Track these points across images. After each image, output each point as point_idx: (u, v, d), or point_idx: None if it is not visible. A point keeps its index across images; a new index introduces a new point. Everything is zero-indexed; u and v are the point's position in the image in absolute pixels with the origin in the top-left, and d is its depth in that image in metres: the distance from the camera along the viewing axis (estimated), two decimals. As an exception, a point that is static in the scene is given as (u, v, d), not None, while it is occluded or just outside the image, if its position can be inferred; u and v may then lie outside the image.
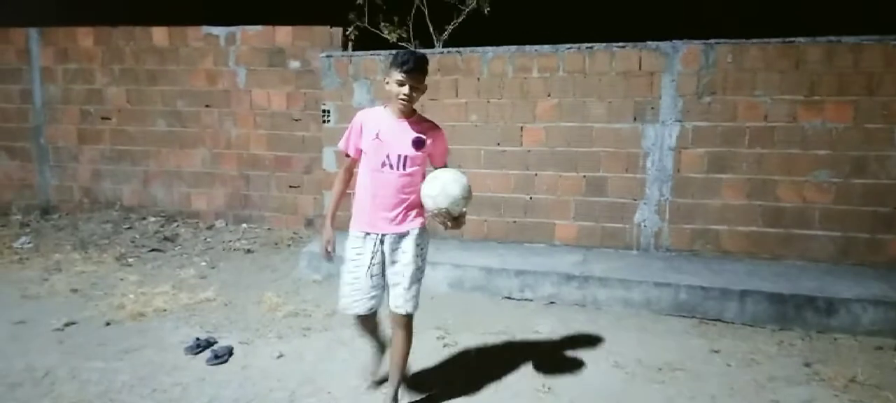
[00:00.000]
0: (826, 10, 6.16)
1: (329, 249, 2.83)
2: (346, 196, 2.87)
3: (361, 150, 2.74)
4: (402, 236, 2.71)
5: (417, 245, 2.72)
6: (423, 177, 2.73)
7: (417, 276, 2.74)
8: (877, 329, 3.81)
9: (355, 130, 2.76)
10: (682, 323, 4.05)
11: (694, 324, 4.03)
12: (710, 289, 4.11)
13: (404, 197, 2.68)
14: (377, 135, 2.66)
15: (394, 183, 2.66)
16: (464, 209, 2.62)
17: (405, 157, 2.64)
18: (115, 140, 6.50)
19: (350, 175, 2.88)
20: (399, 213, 2.69)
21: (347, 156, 2.82)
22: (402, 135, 2.65)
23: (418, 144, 2.65)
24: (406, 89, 2.57)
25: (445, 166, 2.78)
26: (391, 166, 2.65)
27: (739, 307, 4.03)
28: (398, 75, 2.56)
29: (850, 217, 4.60)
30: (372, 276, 2.74)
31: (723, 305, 4.07)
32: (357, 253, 2.75)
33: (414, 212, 2.73)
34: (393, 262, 2.73)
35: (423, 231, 2.75)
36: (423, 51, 5.70)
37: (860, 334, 3.82)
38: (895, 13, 5.36)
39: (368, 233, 2.72)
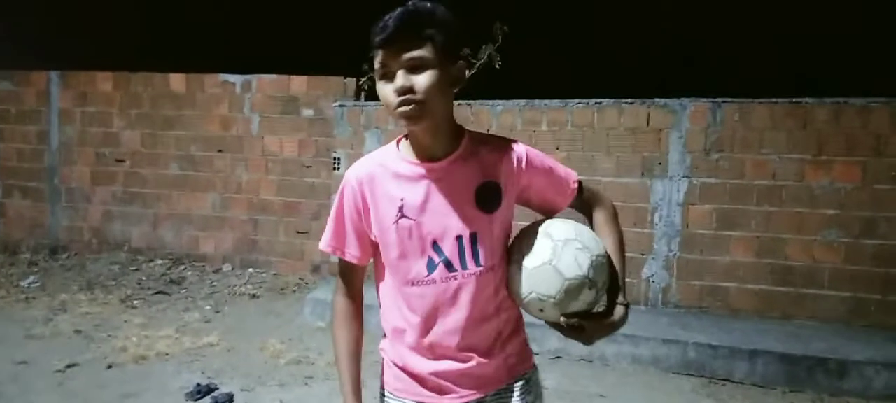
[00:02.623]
0: (833, 73, 6.22)
1: None
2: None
3: (375, 244, 1.40)
4: (505, 394, 1.42)
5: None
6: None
7: None
8: (890, 393, 3.72)
9: (351, 211, 1.39)
10: (691, 381, 3.98)
11: (703, 383, 3.96)
12: (719, 348, 4.04)
13: (492, 319, 1.38)
14: (401, 209, 1.33)
15: (464, 298, 1.34)
16: (581, 304, 1.29)
17: (472, 237, 1.33)
18: (127, 182, 6.57)
19: (359, 303, 1.48)
20: (491, 353, 1.39)
21: (342, 263, 1.45)
22: (450, 194, 1.33)
23: (489, 199, 1.35)
24: (398, 80, 1.23)
25: (588, 208, 1.48)
26: (449, 266, 1.33)
27: (749, 367, 3.96)
28: (377, 60, 1.26)
29: (860, 277, 4.55)
30: None
31: (732, 364, 4.00)
32: None
33: (517, 339, 1.44)
34: None
35: (535, 372, 1.49)
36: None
37: (873, 398, 3.73)
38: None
39: None
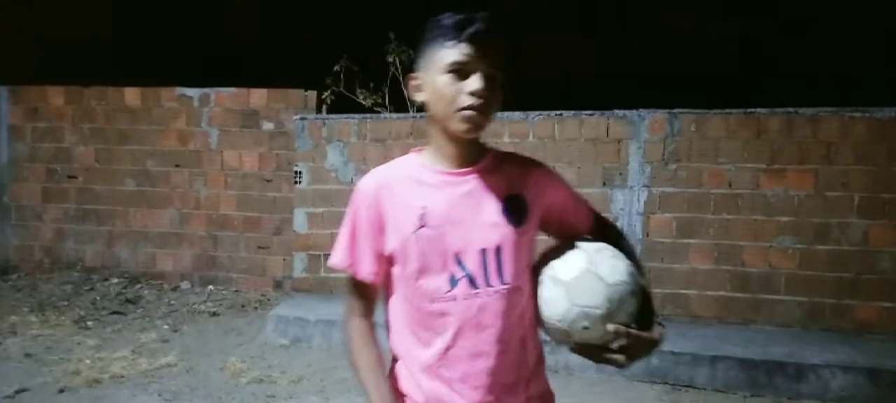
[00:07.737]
0: (784, 84, 6.42)
1: None
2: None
3: (392, 260, 1.30)
4: None
5: None
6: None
7: None
8: (846, 395, 3.82)
9: (365, 223, 1.30)
10: (655, 389, 4.02)
11: (666, 390, 4.00)
12: (680, 354, 4.10)
13: (517, 349, 1.31)
14: (422, 217, 1.26)
15: (488, 319, 1.26)
16: (610, 326, 1.24)
17: (497, 252, 1.26)
18: (80, 199, 6.38)
19: (372, 327, 1.36)
20: (515, 391, 1.31)
21: (355, 282, 1.34)
22: (475, 204, 1.28)
23: (517, 211, 1.29)
24: (477, 83, 1.19)
25: (601, 232, 1.45)
26: (472, 282, 1.25)
27: (711, 372, 4.02)
28: (453, 52, 1.19)
29: (815, 282, 4.68)
30: None
31: (694, 371, 4.06)
32: None
33: (540, 379, 1.39)
34: None
35: None
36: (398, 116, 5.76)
37: (830, 400, 3.83)
38: (847, 87, 5.61)
39: None
